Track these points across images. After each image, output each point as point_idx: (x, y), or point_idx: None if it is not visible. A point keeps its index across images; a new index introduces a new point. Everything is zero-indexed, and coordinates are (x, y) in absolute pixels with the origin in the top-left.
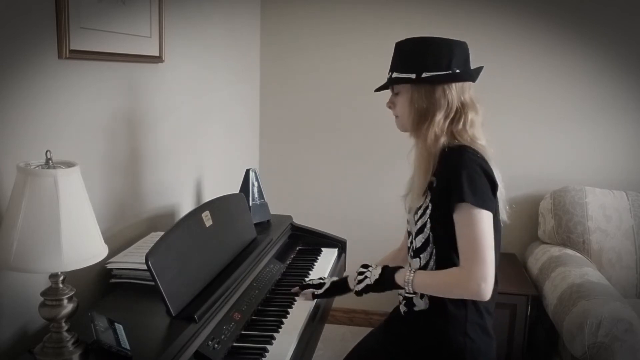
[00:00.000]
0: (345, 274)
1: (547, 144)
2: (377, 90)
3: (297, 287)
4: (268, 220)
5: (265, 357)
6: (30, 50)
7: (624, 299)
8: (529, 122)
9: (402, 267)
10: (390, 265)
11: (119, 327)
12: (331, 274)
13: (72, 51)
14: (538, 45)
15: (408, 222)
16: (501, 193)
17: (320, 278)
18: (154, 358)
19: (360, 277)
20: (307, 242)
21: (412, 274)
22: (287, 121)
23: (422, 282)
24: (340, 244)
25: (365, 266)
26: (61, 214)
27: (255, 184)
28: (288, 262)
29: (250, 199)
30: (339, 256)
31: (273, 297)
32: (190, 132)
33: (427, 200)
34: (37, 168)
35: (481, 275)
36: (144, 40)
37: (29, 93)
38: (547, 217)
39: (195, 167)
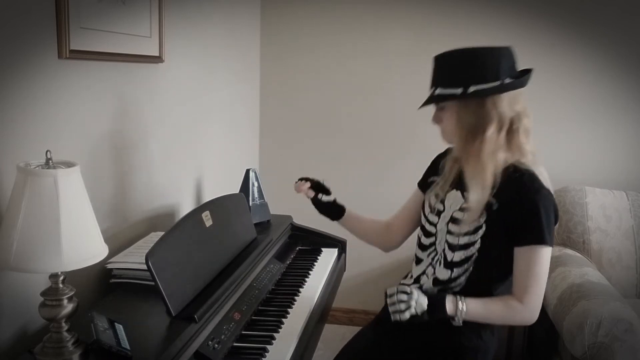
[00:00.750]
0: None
1: (547, 144)
2: (421, 107)
3: (308, 183)
4: (268, 220)
5: (265, 357)
6: (30, 50)
7: (624, 299)
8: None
9: (446, 293)
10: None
11: (119, 327)
12: (331, 274)
13: (72, 51)
14: (538, 45)
15: (433, 224)
16: None
17: (327, 189)
18: (154, 358)
19: (402, 307)
20: (307, 242)
21: (464, 304)
22: (287, 121)
23: (474, 311)
24: (340, 244)
25: (405, 292)
26: (61, 214)
27: (255, 184)
28: (288, 262)
29: (250, 199)
30: (339, 256)
31: (273, 297)
32: (190, 132)
33: (482, 220)
34: (37, 168)
35: (536, 306)
36: (144, 40)
37: (29, 93)
38: None
39: (195, 167)
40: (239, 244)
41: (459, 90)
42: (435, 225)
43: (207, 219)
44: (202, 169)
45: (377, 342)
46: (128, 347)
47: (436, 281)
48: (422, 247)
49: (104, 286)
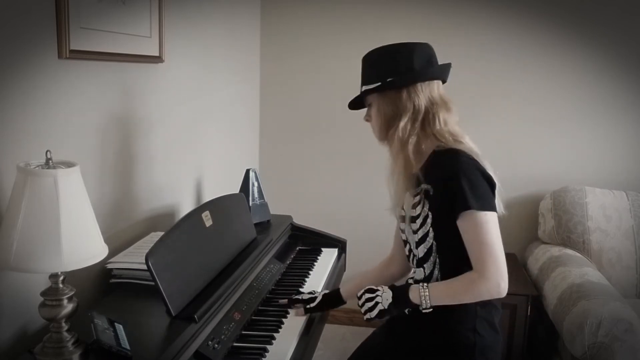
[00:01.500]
0: (335, 287)
1: (547, 144)
2: (352, 107)
3: (286, 300)
4: (268, 220)
5: (265, 357)
6: (30, 50)
7: (624, 299)
8: (529, 123)
9: (411, 284)
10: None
11: (119, 327)
12: (331, 274)
13: (72, 51)
14: (538, 46)
15: (403, 231)
16: (498, 188)
17: (311, 292)
18: (154, 358)
19: (370, 304)
20: (307, 242)
21: (426, 289)
22: (287, 121)
23: (438, 294)
24: (340, 244)
25: (371, 290)
26: (61, 214)
27: (255, 184)
28: (288, 262)
29: (250, 199)
30: (339, 256)
31: (273, 297)
32: (190, 132)
33: (426, 209)
34: (37, 168)
35: (499, 275)
36: (144, 40)
37: (29, 93)
38: (547, 217)
39: (195, 167)
40: (239, 244)
41: (378, 83)
42: (404, 232)
43: (207, 219)
44: (202, 169)
45: (385, 343)
46: (128, 347)
47: (416, 282)
48: (407, 258)
49: (104, 286)
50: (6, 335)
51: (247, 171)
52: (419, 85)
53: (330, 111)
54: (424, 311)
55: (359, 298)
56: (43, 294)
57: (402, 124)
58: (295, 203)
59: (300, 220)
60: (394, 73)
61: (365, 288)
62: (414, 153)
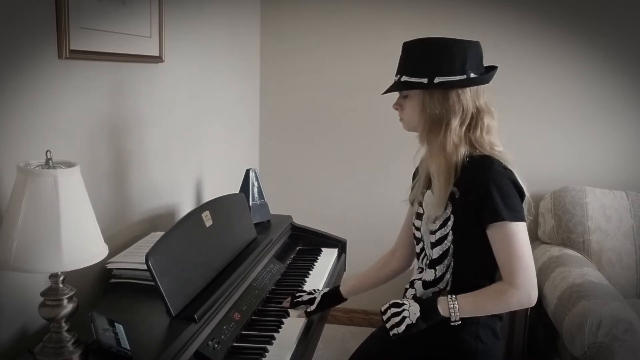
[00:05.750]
0: (335, 284)
1: (547, 144)
2: (385, 92)
3: (287, 301)
4: (268, 220)
5: (265, 357)
6: (30, 50)
7: (624, 299)
8: (529, 122)
9: (438, 296)
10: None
11: (119, 327)
12: (331, 274)
13: (72, 51)
14: (538, 45)
15: (418, 228)
16: (526, 199)
17: (310, 292)
18: (154, 358)
19: (397, 319)
20: (307, 242)
21: (455, 301)
22: (287, 121)
23: (467, 306)
24: (340, 244)
25: (397, 305)
26: (61, 214)
27: (255, 184)
28: (288, 262)
29: (250, 199)
30: (339, 256)
31: (273, 297)
32: (190, 132)
33: (449, 211)
34: (37, 168)
35: (529, 285)
36: (144, 40)
37: (29, 93)
38: (547, 217)
39: (195, 167)
40: (239, 244)
41: (424, 80)
42: (420, 230)
43: (207, 219)
44: (202, 169)
45: (385, 346)
46: (128, 347)
47: (425, 283)
48: (417, 255)
49: (104, 286)
50: (6, 336)
51: (247, 171)
52: (468, 88)
53: (331, 111)
54: (452, 324)
55: (384, 313)
56: (43, 294)
57: (453, 125)
58: (295, 203)
59: (300, 220)
60: (447, 72)
61: (390, 302)
62: (459, 157)
